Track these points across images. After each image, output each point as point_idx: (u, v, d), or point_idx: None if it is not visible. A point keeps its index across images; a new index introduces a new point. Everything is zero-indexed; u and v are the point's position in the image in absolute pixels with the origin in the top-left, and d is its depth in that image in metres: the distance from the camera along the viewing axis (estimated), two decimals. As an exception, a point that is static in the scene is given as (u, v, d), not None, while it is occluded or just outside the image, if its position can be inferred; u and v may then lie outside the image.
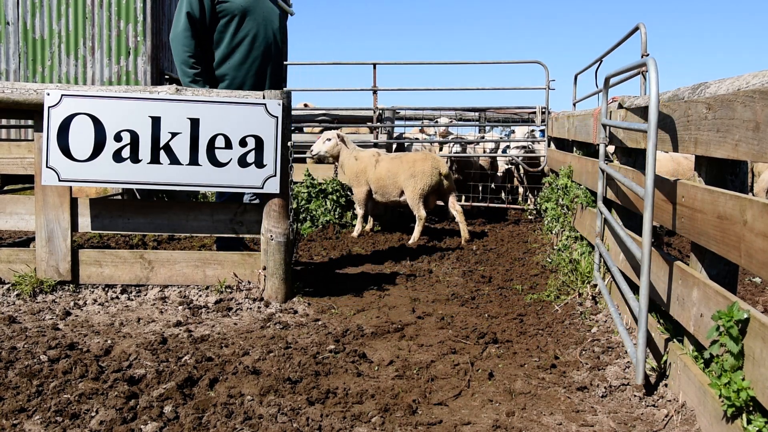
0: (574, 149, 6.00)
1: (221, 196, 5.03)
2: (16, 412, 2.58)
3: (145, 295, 4.34)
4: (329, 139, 7.20)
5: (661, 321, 3.11)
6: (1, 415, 2.55)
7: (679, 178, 2.85)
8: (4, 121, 8.99)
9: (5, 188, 8.52)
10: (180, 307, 4.14)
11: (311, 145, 9.14)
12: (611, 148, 5.03)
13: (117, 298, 4.29)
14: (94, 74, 9.64)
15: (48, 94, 4.09)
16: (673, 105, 2.89)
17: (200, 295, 4.33)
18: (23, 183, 8.52)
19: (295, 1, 15.58)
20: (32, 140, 4.31)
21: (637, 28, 5.40)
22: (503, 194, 9.68)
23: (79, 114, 4.11)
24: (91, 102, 4.12)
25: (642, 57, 5.19)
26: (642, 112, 3.56)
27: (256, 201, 4.94)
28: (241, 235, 4.57)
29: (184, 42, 4.61)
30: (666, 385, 2.77)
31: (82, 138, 4.11)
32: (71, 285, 4.34)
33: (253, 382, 2.93)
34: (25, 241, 6.10)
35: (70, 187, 4.28)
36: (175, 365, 3.12)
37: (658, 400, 2.73)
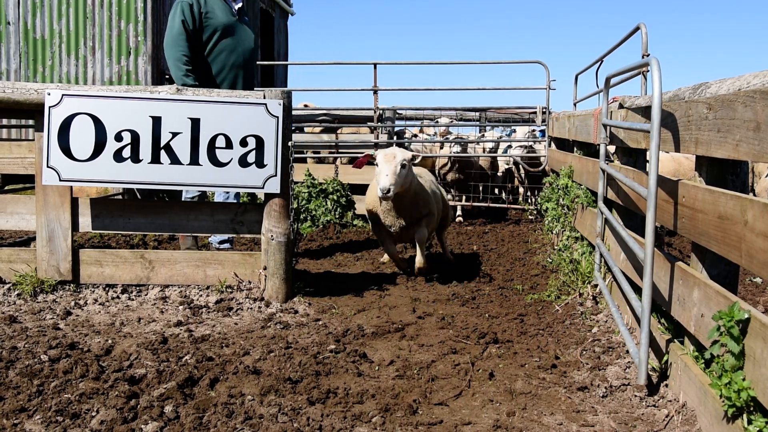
0: (575, 149, 6.00)
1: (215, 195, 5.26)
2: (17, 412, 2.58)
3: (146, 295, 4.34)
4: (403, 166, 4.70)
5: (662, 321, 3.11)
6: (2, 415, 2.55)
7: (680, 179, 2.85)
8: (5, 121, 8.99)
9: (6, 188, 8.53)
10: (180, 307, 4.14)
11: (312, 145, 9.14)
12: (612, 148, 5.03)
13: (118, 297, 4.29)
14: (95, 74, 9.64)
15: (49, 94, 4.09)
16: (673, 105, 2.89)
17: (201, 295, 4.33)
18: (24, 183, 8.52)
19: (296, 1, 15.54)
20: (33, 140, 4.31)
21: (637, 28, 5.40)
22: (504, 194, 9.68)
23: (79, 114, 4.11)
24: (91, 102, 4.12)
25: (643, 57, 5.19)
26: (643, 112, 3.56)
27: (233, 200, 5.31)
28: (241, 235, 4.57)
29: (179, 43, 5.01)
30: (666, 386, 2.77)
31: (82, 138, 4.11)
32: (72, 285, 4.34)
33: (254, 381, 2.93)
34: (25, 240, 6.10)
35: (71, 186, 4.28)
36: (176, 365, 3.12)
37: (658, 400, 2.73)
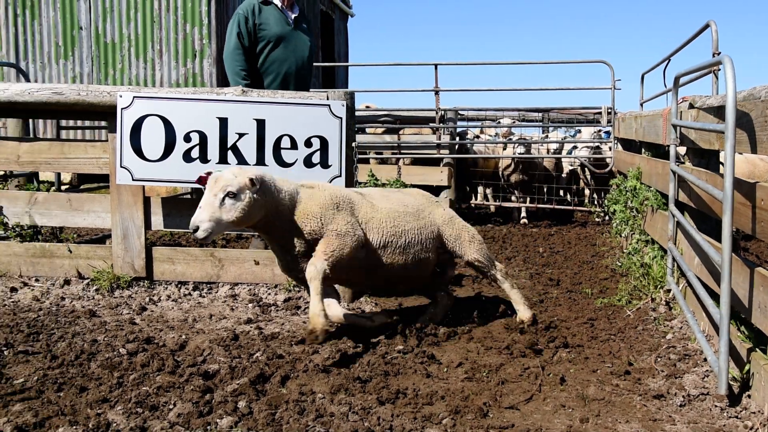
0: (643, 150, 5.86)
1: None
2: (100, 402, 2.67)
3: (216, 293, 4.44)
4: (232, 195, 3.15)
5: (741, 329, 3.00)
6: (86, 405, 2.65)
7: (757, 181, 2.75)
8: (78, 122, 9.33)
9: (81, 187, 8.85)
10: (250, 305, 4.22)
11: (374, 146, 9.15)
12: (682, 149, 4.89)
13: (189, 294, 4.40)
14: (162, 76, 9.92)
15: (120, 96, 4.23)
16: (749, 104, 2.79)
17: (269, 293, 4.40)
18: (97, 182, 8.83)
19: (356, 2, 15.58)
20: (106, 141, 4.46)
21: (707, 26, 5.23)
22: (569, 196, 9.52)
23: (150, 115, 4.23)
24: (161, 104, 4.23)
25: (713, 56, 5.03)
26: (715, 111, 3.45)
27: None
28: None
29: (236, 58, 5.06)
30: (749, 396, 2.66)
31: (153, 139, 4.23)
32: (146, 281, 4.47)
33: (324, 380, 2.96)
34: (101, 238, 6.31)
35: (143, 186, 4.41)
36: (247, 361, 3.18)
37: (741, 411, 2.63)
